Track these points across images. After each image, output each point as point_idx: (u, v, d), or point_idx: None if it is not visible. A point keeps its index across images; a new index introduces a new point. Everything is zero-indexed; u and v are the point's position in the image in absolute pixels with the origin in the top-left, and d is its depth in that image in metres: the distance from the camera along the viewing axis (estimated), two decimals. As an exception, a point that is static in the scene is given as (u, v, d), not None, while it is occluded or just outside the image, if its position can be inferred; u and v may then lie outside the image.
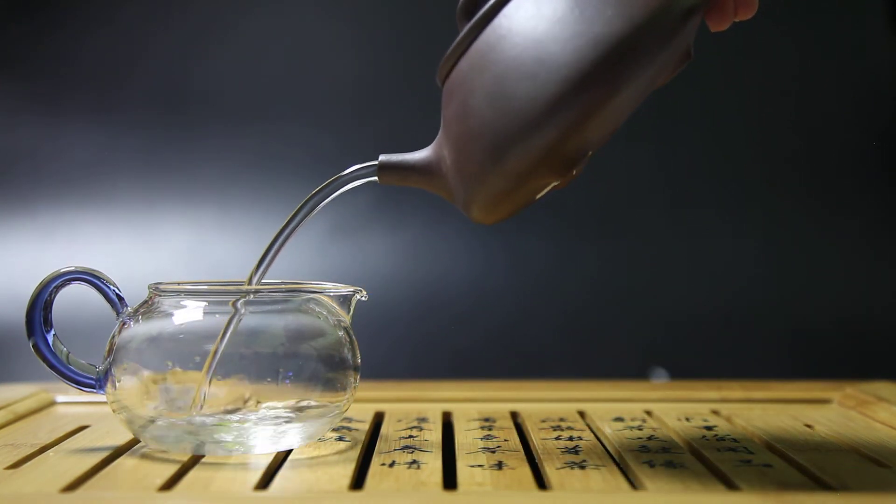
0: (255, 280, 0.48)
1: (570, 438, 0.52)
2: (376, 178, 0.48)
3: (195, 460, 0.46)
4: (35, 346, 0.48)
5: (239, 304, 0.47)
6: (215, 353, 0.46)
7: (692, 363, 0.91)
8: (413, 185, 0.48)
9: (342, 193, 0.49)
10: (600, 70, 0.41)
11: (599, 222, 0.98)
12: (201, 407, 0.46)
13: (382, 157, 0.48)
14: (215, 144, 0.98)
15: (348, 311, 0.50)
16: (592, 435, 0.53)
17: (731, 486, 0.42)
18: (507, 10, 0.43)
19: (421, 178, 0.48)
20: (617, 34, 0.41)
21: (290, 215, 0.48)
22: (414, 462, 0.46)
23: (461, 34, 0.44)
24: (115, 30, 0.99)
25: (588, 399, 0.63)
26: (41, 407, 0.61)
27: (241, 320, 0.47)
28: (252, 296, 0.48)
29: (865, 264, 0.96)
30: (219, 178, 0.98)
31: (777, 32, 0.99)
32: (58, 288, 0.48)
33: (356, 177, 0.48)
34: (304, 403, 0.47)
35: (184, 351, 0.47)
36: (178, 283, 0.49)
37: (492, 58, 0.43)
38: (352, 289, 0.50)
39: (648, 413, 0.60)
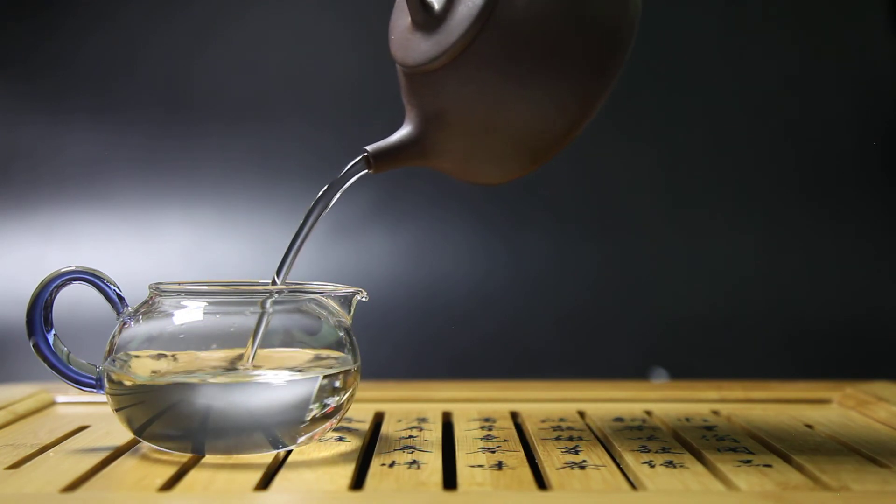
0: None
1: (570, 438, 0.52)
2: (370, 170, 0.49)
3: (195, 460, 0.46)
4: (35, 346, 0.48)
5: (267, 304, 0.48)
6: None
7: (692, 363, 0.91)
8: (403, 166, 0.50)
9: (343, 193, 0.49)
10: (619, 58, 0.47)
11: (599, 222, 0.98)
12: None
13: (370, 148, 0.49)
14: (215, 144, 0.98)
15: (349, 312, 0.50)
16: (592, 435, 0.53)
17: (731, 486, 0.42)
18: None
19: (413, 157, 0.49)
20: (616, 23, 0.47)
21: (300, 224, 0.48)
22: (414, 462, 0.46)
23: (463, 30, 0.46)
24: (115, 30, 0.99)
25: (588, 399, 0.63)
26: (41, 407, 0.61)
27: (269, 320, 0.47)
28: (276, 294, 0.48)
29: (865, 264, 0.96)
30: (219, 178, 0.98)
31: (777, 32, 0.99)
32: (58, 288, 0.48)
33: (351, 174, 0.49)
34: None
35: (184, 351, 0.47)
36: (179, 283, 0.49)
37: (514, 58, 0.46)
38: (352, 289, 0.50)
39: (648, 413, 0.60)
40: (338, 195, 0.49)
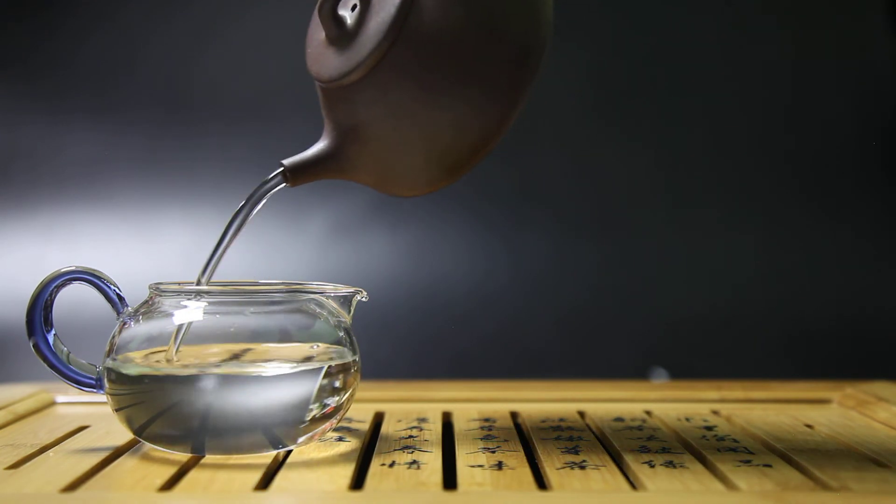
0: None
1: (570, 438, 0.52)
2: (287, 183, 0.49)
3: (195, 460, 0.46)
4: (35, 346, 0.48)
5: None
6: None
7: (692, 363, 0.91)
8: (322, 179, 0.50)
9: (263, 206, 0.50)
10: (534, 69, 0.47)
11: (599, 222, 0.98)
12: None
13: (287, 162, 0.49)
14: (215, 144, 0.98)
15: (349, 312, 0.50)
16: (592, 435, 0.53)
17: (731, 486, 0.42)
18: (415, 22, 0.46)
19: (330, 171, 0.50)
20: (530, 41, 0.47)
21: (220, 236, 0.49)
22: (414, 462, 0.46)
23: (373, 45, 0.46)
24: (115, 29, 0.99)
25: (588, 399, 0.63)
26: (41, 407, 0.61)
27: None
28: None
29: (865, 264, 0.96)
30: (219, 178, 0.98)
31: (777, 31, 0.99)
32: (58, 288, 0.48)
33: (268, 188, 0.49)
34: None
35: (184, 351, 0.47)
36: (179, 284, 0.49)
37: (429, 72, 0.46)
38: (352, 289, 0.50)
39: (648, 413, 0.60)
40: (255, 210, 0.50)
